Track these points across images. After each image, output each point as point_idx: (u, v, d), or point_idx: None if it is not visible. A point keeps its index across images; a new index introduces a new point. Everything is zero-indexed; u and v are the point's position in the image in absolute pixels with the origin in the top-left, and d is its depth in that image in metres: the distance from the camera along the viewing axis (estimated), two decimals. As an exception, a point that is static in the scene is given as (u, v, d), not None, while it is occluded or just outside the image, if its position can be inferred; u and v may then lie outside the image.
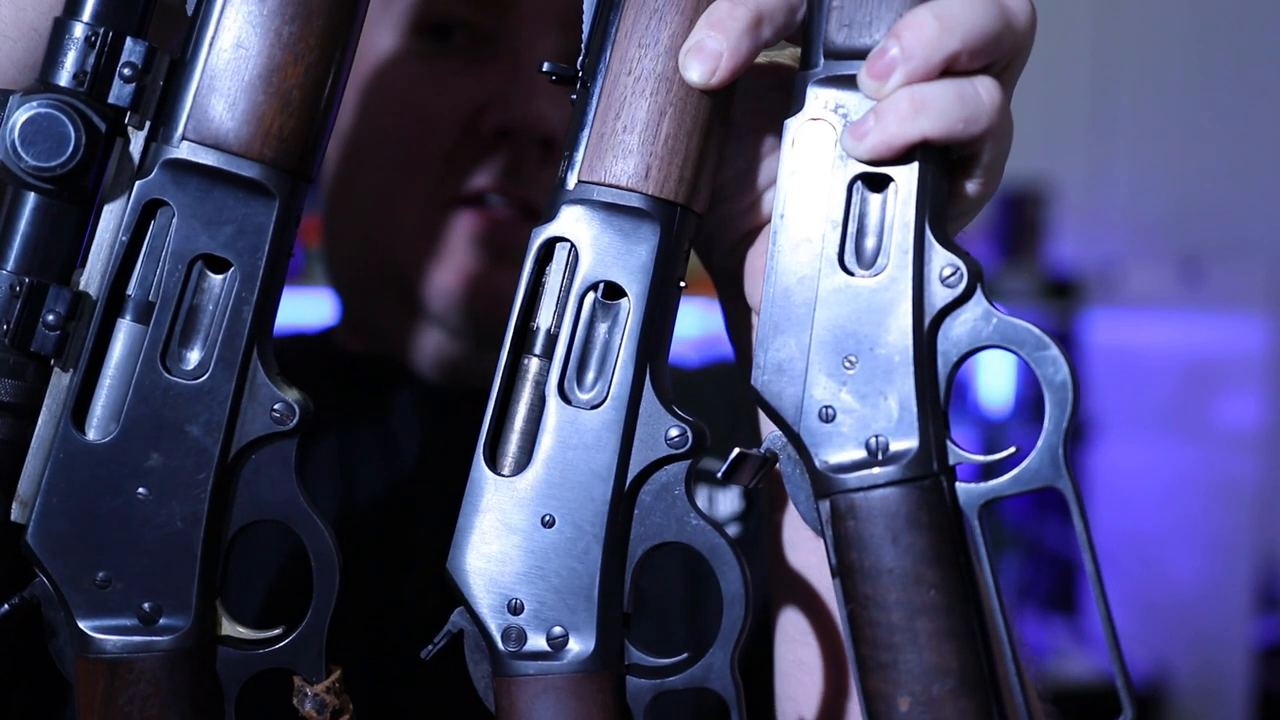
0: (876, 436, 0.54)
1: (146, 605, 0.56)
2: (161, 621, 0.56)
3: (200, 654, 0.57)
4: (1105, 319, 3.12)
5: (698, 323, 1.55)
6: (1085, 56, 3.30)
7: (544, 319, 0.58)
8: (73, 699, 0.66)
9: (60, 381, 0.56)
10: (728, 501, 0.93)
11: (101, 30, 0.53)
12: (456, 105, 0.88)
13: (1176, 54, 3.24)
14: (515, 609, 0.57)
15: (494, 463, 0.58)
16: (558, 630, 0.57)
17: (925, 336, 0.54)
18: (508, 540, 0.57)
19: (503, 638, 0.57)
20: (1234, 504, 2.79)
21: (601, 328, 0.58)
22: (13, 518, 0.56)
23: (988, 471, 0.55)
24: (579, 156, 0.57)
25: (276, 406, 0.57)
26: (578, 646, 0.57)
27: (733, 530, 0.91)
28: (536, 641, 0.57)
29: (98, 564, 0.56)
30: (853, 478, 0.54)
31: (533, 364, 0.58)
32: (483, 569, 0.57)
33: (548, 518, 0.57)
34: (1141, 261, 3.13)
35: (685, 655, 0.58)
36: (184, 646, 0.57)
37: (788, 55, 0.62)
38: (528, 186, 0.88)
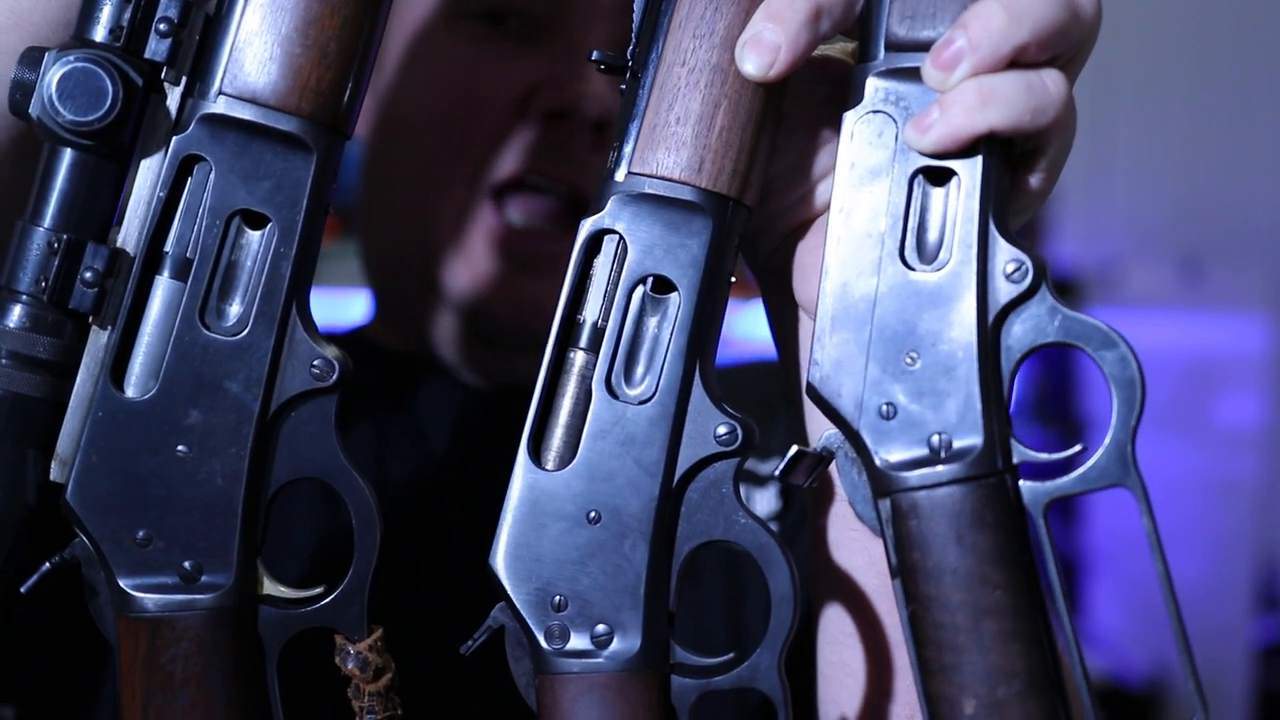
0: (939, 434, 0.53)
1: (187, 564, 0.56)
2: (203, 580, 0.56)
3: (242, 613, 0.57)
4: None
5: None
6: (1085, 56, 3.29)
7: (590, 312, 0.57)
8: (112, 665, 0.65)
9: (99, 339, 0.55)
10: (764, 501, 0.92)
11: None
12: (508, 87, 0.88)
13: (1176, 54, 3.24)
14: (558, 606, 0.56)
15: (538, 457, 0.57)
16: (602, 628, 0.56)
17: (989, 332, 0.54)
18: (551, 536, 0.56)
19: (545, 635, 0.56)
20: (1234, 504, 2.79)
21: (650, 322, 0.57)
22: (52, 477, 0.55)
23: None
24: (629, 148, 0.56)
25: (316, 363, 0.56)
26: (622, 645, 0.56)
27: None
28: (580, 639, 0.56)
29: (138, 522, 0.56)
30: (915, 476, 0.53)
31: (578, 357, 0.57)
32: (525, 565, 0.56)
33: (593, 513, 0.56)
34: (1141, 261, 3.13)
35: (731, 655, 0.57)
36: (225, 605, 0.56)
37: (839, 49, 0.62)
38: (577, 170, 0.88)
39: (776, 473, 0.56)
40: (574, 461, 0.56)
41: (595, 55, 0.58)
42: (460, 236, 0.89)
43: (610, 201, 0.56)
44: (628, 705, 0.56)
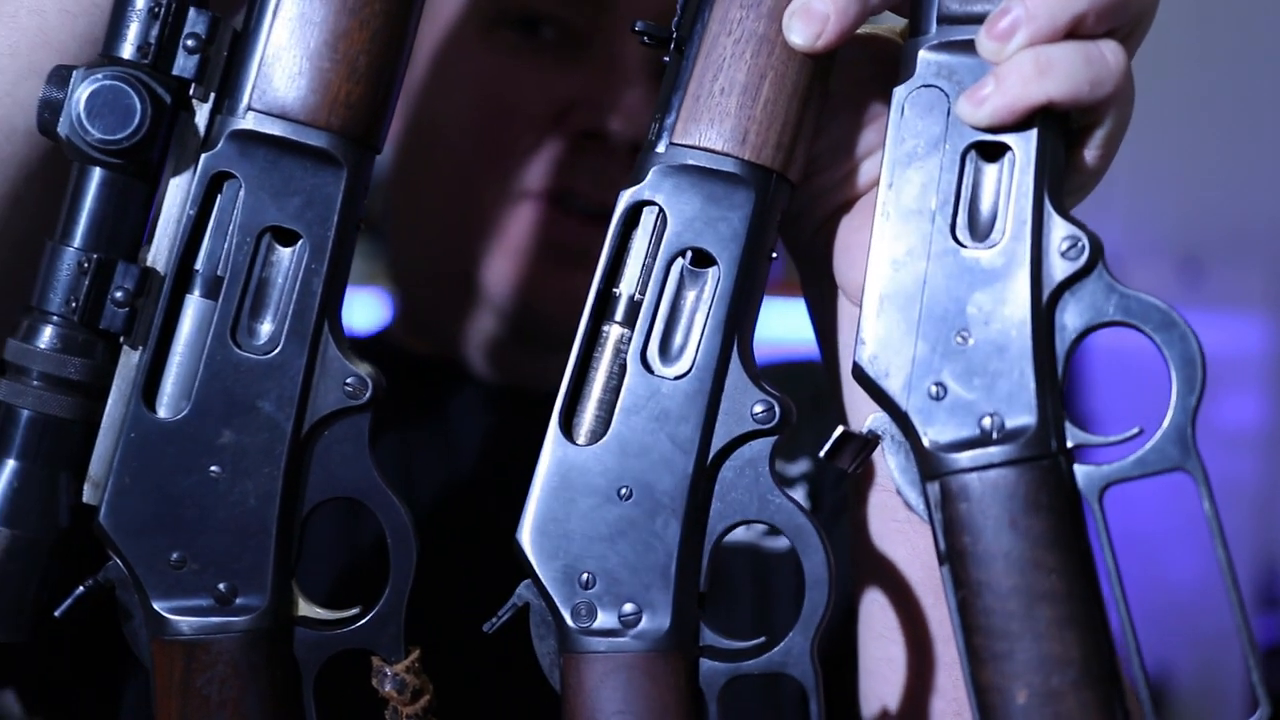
0: (991, 415, 0.52)
1: (222, 585, 0.55)
2: (237, 601, 0.55)
3: (277, 634, 0.56)
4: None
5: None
6: (1086, 55, 3.28)
7: (627, 285, 0.56)
8: (134, 677, 0.64)
9: (130, 359, 0.55)
10: None
11: (165, 1, 0.53)
12: (544, 101, 0.87)
13: (1177, 54, 3.23)
14: (586, 583, 0.55)
15: (569, 432, 0.56)
16: (630, 607, 0.55)
17: (1044, 311, 0.52)
18: (581, 512, 0.55)
19: (572, 613, 0.55)
20: (1234, 504, 2.78)
21: (689, 296, 0.56)
22: (85, 499, 0.55)
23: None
24: (671, 119, 0.56)
25: (349, 380, 0.56)
26: (651, 624, 0.55)
27: None
28: (607, 618, 0.55)
29: (172, 544, 0.55)
30: (965, 457, 0.52)
31: (613, 331, 0.56)
32: (553, 541, 0.55)
33: (624, 490, 0.55)
34: (1141, 261, 3.12)
35: (763, 639, 0.56)
36: (261, 627, 0.55)
37: (887, 28, 0.61)
38: (612, 191, 0.86)
39: (822, 454, 0.55)
40: (606, 437, 0.55)
41: (640, 26, 0.57)
42: (499, 233, 0.88)
43: (650, 173, 0.55)
44: (654, 686, 0.55)
